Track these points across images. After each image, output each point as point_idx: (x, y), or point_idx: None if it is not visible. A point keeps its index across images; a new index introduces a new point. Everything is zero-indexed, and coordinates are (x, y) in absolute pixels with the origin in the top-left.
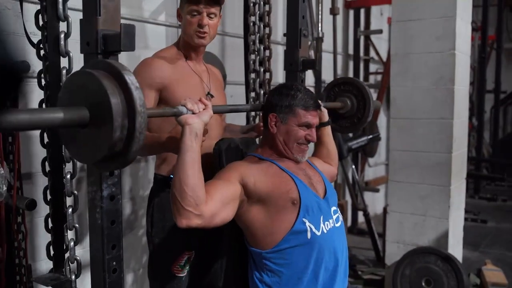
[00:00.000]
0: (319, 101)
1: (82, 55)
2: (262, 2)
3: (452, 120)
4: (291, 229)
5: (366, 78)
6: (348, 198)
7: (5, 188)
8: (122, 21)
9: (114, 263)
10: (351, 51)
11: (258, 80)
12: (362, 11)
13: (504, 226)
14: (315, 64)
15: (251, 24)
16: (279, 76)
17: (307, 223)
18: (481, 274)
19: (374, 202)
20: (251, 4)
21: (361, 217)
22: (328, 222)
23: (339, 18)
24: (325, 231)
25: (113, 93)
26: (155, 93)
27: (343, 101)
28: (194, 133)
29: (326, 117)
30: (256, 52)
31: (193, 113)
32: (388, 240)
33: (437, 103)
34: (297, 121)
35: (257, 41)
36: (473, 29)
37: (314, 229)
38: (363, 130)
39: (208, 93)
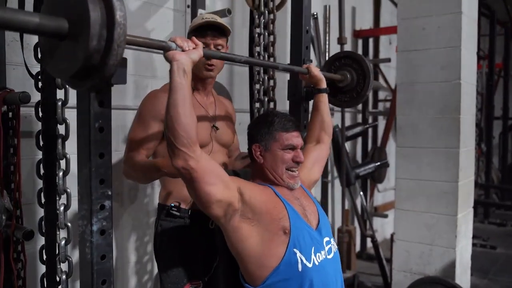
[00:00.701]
0: (296, 123)
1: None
2: (266, 33)
3: (458, 149)
4: (282, 259)
5: (375, 105)
6: (356, 224)
7: (4, 217)
8: (131, 51)
9: None
10: None
11: (262, 109)
12: (371, 40)
13: None
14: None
15: (256, 54)
16: (286, 104)
17: (298, 254)
18: None
19: (384, 226)
20: (256, 35)
21: (369, 243)
22: (320, 254)
23: (348, 47)
24: (316, 263)
25: (93, 2)
26: (160, 124)
27: (343, 74)
28: (182, 69)
29: (324, 85)
30: (261, 82)
31: (182, 51)
32: (394, 269)
33: (443, 132)
34: (280, 145)
35: (262, 71)
36: (481, 58)
37: (305, 261)
38: (372, 157)
39: (214, 125)
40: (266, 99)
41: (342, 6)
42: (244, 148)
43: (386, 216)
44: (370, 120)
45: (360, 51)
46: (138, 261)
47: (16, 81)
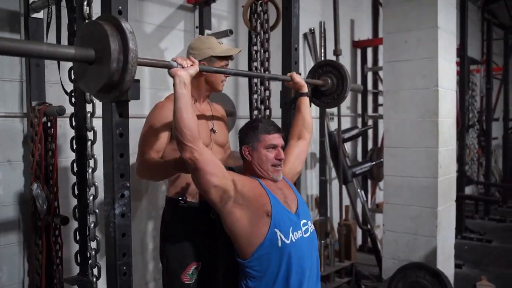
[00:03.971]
0: (275, 126)
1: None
2: (262, 51)
3: (437, 148)
4: (265, 237)
5: (375, 109)
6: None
7: (45, 207)
8: (147, 69)
9: (124, 268)
10: None
11: (259, 115)
12: (370, 50)
13: (508, 246)
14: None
15: (254, 68)
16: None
17: (278, 233)
18: None
19: None
20: (254, 52)
21: None
22: (296, 233)
23: (347, 57)
24: (294, 240)
25: (112, 35)
26: (168, 131)
27: (324, 80)
28: (183, 82)
29: (305, 90)
30: (258, 92)
31: (182, 67)
32: (384, 256)
33: (424, 134)
34: (264, 145)
35: (259, 83)
36: (479, 63)
37: (284, 238)
38: (370, 157)
39: (212, 129)
40: (263, 107)
41: (337, 21)
42: (235, 148)
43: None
44: (370, 123)
45: (359, 60)
46: (156, 247)
47: (53, 96)
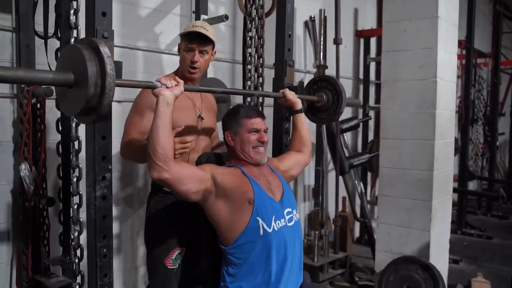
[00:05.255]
0: (261, 110)
1: None
2: (257, 37)
3: (434, 141)
4: (247, 225)
5: (377, 101)
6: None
7: (32, 188)
8: (141, 52)
9: (104, 250)
10: (362, 76)
11: (252, 102)
12: (374, 39)
13: (508, 242)
14: (297, 90)
15: (248, 55)
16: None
17: (260, 221)
18: (469, 285)
19: None
20: (248, 38)
21: None
22: (279, 221)
23: (350, 46)
24: (276, 228)
25: (90, 60)
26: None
27: (319, 96)
28: (166, 101)
29: (299, 106)
30: (252, 79)
31: (167, 87)
32: (377, 249)
33: (420, 125)
34: (246, 129)
35: (253, 69)
36: (486, 56)
37: (265, 227)
38: (370, 149)
39: (199, 115)
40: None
41: (338, 9)
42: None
43: None
44: (371, 114)
45: (362, 50)
46: None
47: None
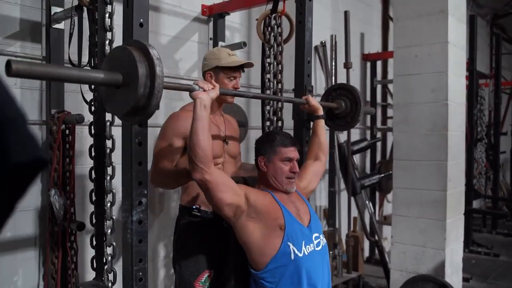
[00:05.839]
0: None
1: None
2: (275, 63)
3: (447, 162)
4: (278, 250)
5: (384, 122)
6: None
7: (62, 213)
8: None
9: (140, 273)
10: (368, 98)
11: (271, 127)
12: (379, 63)
13: None
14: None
15: (267, 80)
16: (291, 123)
17: (291, 246)
18: None
19: None
20: (267, 64)
21: None
22: (309, 246)
23: (357, 69)
24: (306, 253)
25: (140, 61)
26: (182, 141)
27: (338, 103)
28: (203, 104)
29: (320, 112)
30: (271, 103)
31: (204, 91)
32: (392, 268)
33: (433, 147)
34: (280, 157)
35: (271, 94)
36: (487, 77)
37: (296, 251)
38: (379, 169)
39: (225, 140)
40: (275, 118)
41: (347, 35)
42: (246, 159)
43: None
44: (379, 136)
45: (368, 73)
46: (167, 255)
47: (70, 105)
